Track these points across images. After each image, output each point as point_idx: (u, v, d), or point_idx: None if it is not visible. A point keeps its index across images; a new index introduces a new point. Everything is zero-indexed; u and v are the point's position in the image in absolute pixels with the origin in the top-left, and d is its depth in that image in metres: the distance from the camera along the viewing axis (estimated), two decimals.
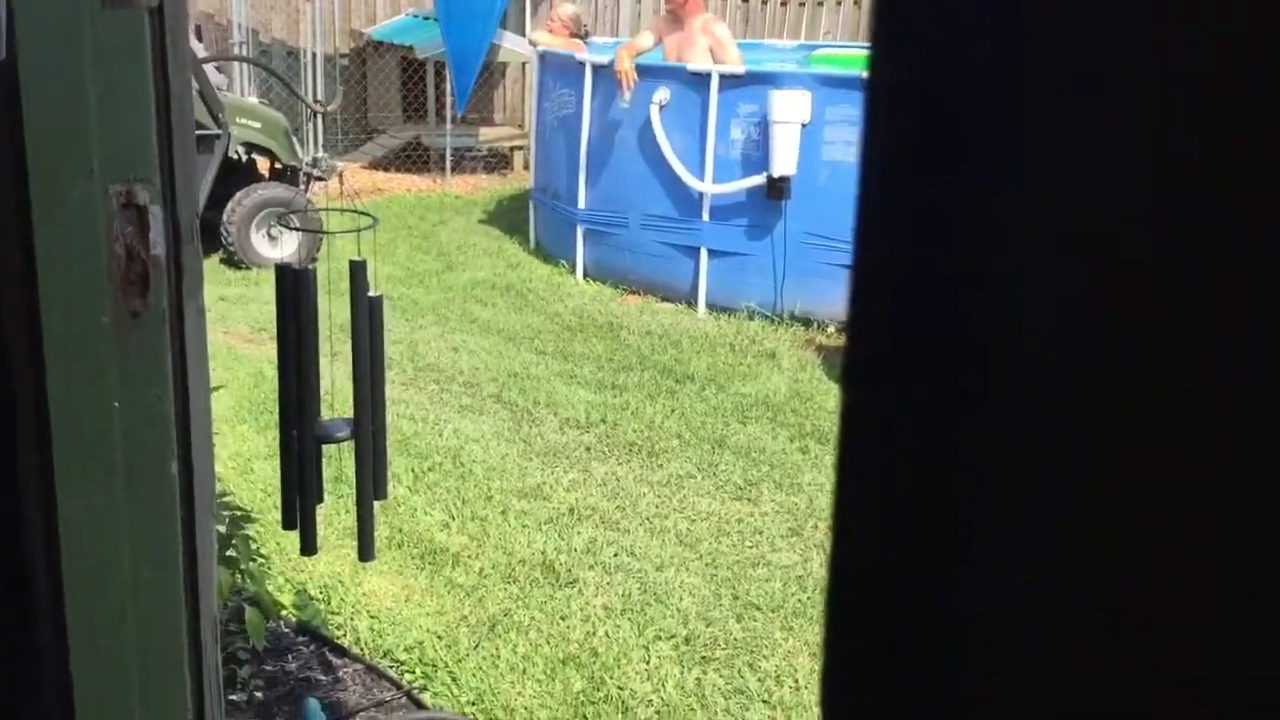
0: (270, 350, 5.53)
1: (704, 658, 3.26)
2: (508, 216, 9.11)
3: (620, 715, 2.97)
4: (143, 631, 1.08)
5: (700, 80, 6.68)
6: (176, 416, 1.05)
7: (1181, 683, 0.28)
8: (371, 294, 2.23)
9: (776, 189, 6.43)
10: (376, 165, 10.43)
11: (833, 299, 6.39)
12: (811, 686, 3.15)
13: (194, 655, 1.14)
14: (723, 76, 6.62)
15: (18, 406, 1.10)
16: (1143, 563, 0.28)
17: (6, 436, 1.12)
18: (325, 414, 2.29)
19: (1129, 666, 0.29)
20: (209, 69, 7.38)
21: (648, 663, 3.22)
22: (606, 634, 3.35)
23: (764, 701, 3.07)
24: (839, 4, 12.73)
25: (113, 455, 1.03)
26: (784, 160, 6.35)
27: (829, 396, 5.48)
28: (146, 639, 1.08)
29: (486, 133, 11.10)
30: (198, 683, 1.18)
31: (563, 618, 3.43)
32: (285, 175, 7.60)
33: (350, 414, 2.25)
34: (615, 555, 3.83)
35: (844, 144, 6.37)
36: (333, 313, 2.29)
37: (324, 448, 2.28)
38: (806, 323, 6.53)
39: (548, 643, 3.28)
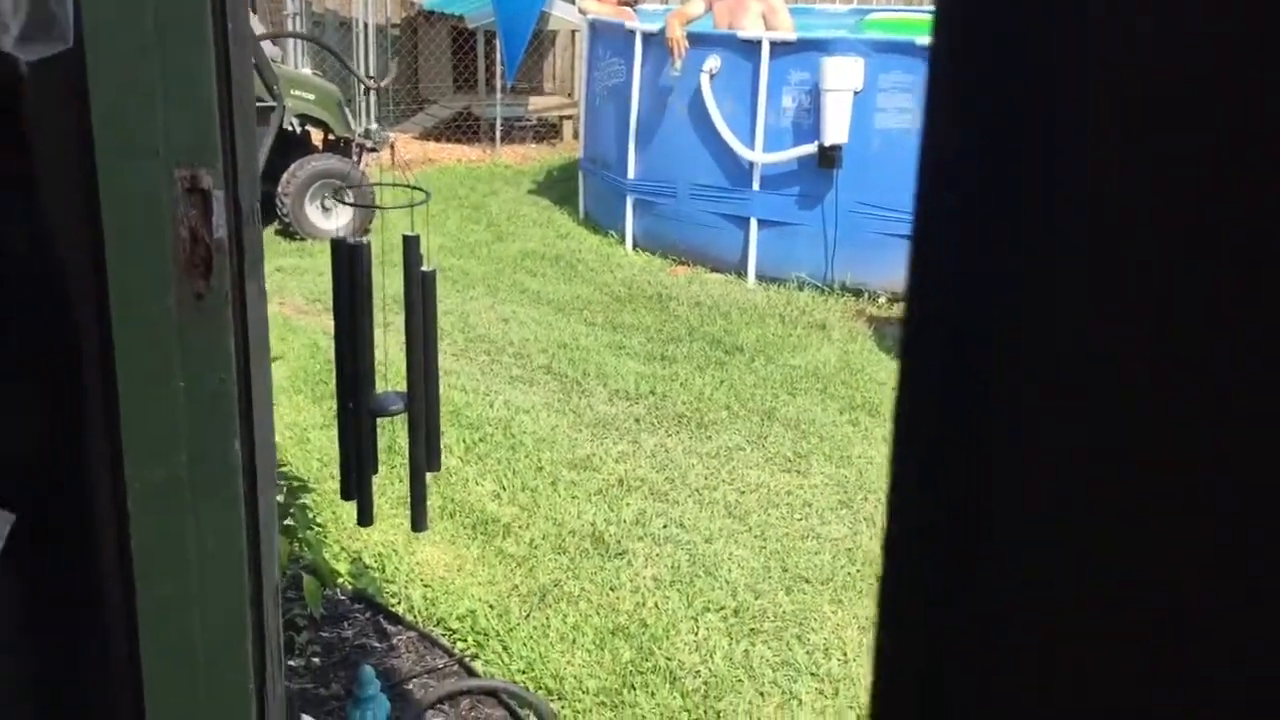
0: (325, 321, 5.60)
1: (752, 630, 3.28)
2: (557, 187, 9.12)
3: (668, 686, 3.00)
4: (207, 600, 1.11)
5: (751, 48, 6.64)
6: (239, 395, 1.08)
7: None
8: (424, 269, 2.26)
9: (828, 158, 6.38)
10: (427, 135, 10.47)
11: (884, 269, 6.35)
12: (860, 659, 3.16)
13: (256, 621, 1.18)
14: (774, 44, 6.56)
15: (87, 388, 1.13)
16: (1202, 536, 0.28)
17: (76, 417, 1.15)
18: (380, 386, 2.32)
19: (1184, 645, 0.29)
20: (264, 42, 7.44)
21: (696, 634, 3.25)
22: (655, 605, 3.38)
23: (812, 674, 3.08)
24: None
25: (178, 434, 1.06)
26: (836, 128, 6.29)
27: (880, 368, 5.46)
28: (210, 607, 1.12)
29: (536, 102, 11.10)
30: (260, 648, 1.21)
31: (612, 589, 3.46)
32: (339, 146, 7.66)
33: (404, 386, 2.28)
34: (664, 527, 3.86)
35: (897, 111, 6.30)
36: (386, 285, 2.32)
37: (378, 421, 2.32)
38: (857, 293, 6.49)
39: (597, 613, 3.31)
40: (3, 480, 1.21)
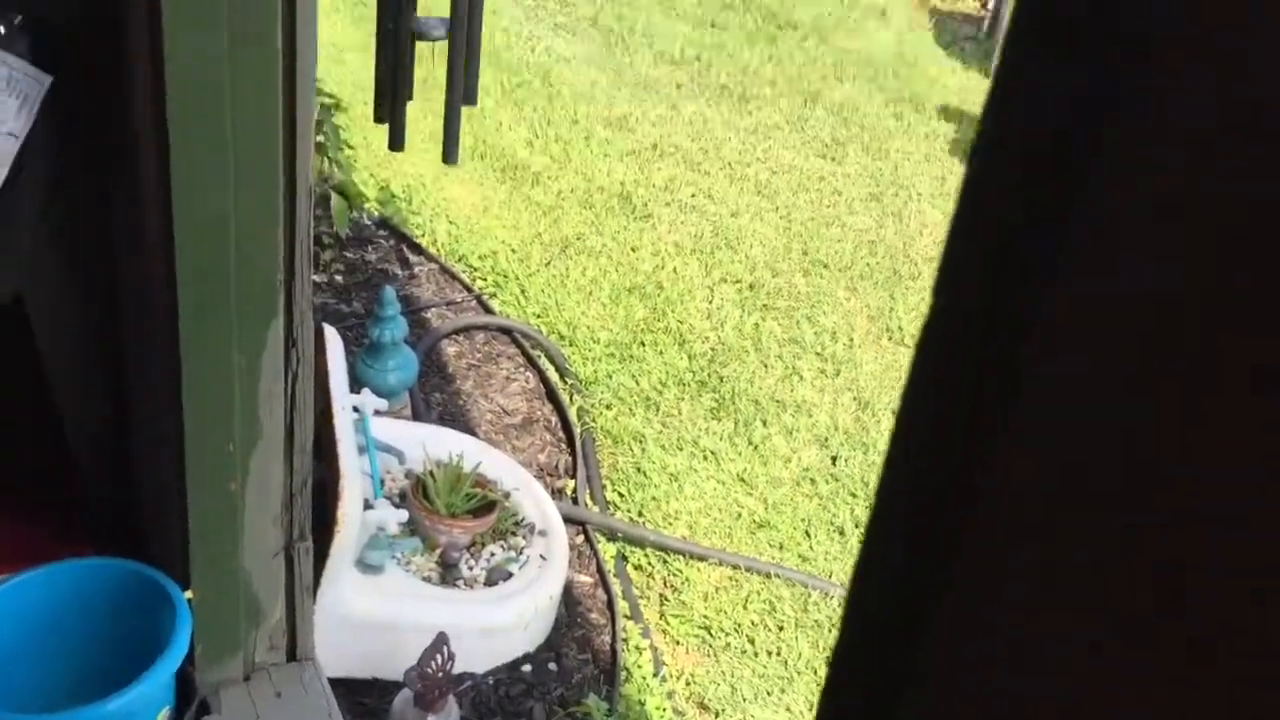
0: None
1: (765, 305, 3.34)
2: None
3: (677, 347, 3.09)
4: (241, 187, 1.12)
5: None
6: None
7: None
8: None
9: None
10: None
11: None
12: (865, 346, 3.24)
13: (288, 220, 1.19)
14: None
15: None
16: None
17: None
18: (421, 11, 2.24)
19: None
20: None
21: (710, 302, 3.31)
22: (674, 270, 3.42)
23: (816, 354, 3.17)
24: None
25: (218, 10, 1.03)
26: None
27: (933, 63, 5.27)
28: (244, 196, 1.13)
29: None
30: (290, 246, 1.24)
31: (633, 249, 3.50)
32: None
33: (447, 13, 2.21)
34: (693, 196, 3.85)
35: None
36: None
37: (416, 47, 2.26)
38: None
39: (616, 270, 3.37)
40: (42, 41, 1.20)
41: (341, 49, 4.34)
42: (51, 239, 1.28)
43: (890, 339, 3.30)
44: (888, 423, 2.91)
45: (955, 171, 4.31)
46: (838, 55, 5.19)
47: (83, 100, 1.21)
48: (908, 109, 4.76)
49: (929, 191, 4.14)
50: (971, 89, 5.12)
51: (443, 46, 2.26)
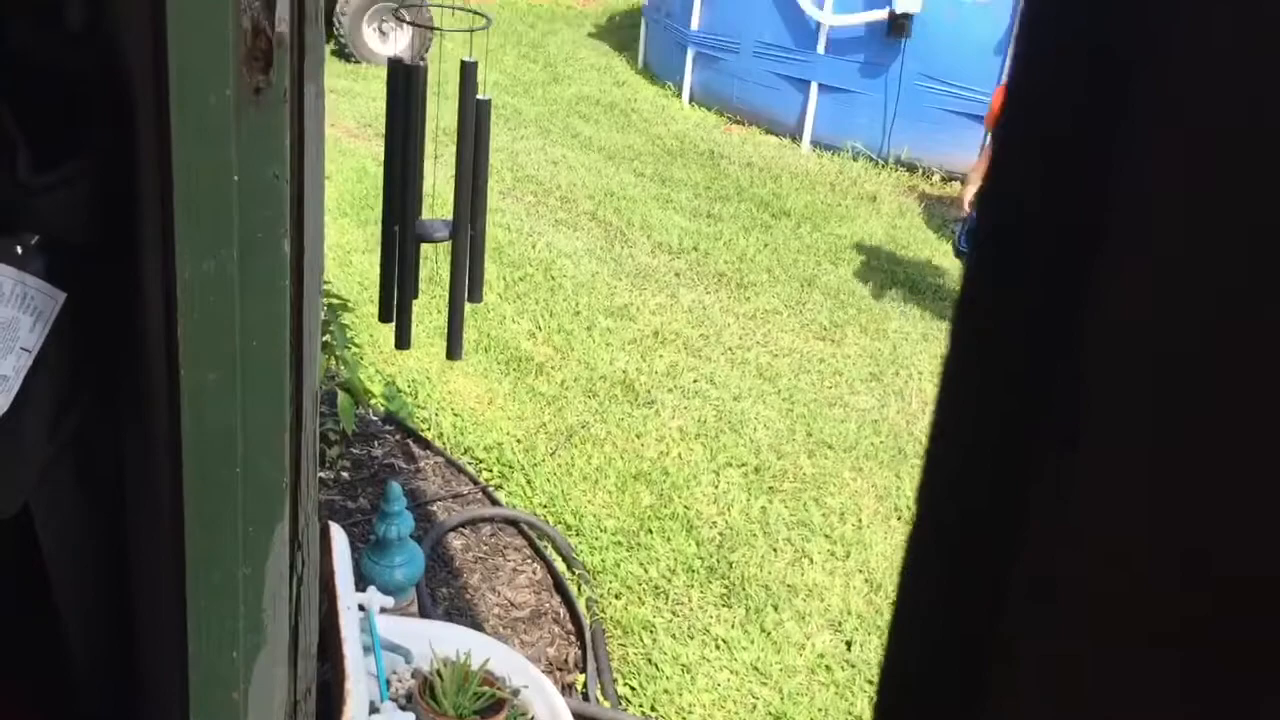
0: (374, 146, 5.58)
1: (771, 488, 3.34)
2: (618, 32, 8.93)
3: (684, 533, 3.07)
4: (249, 396, 1.14)
5: None
6: (291, 195, 1.09)
7: None
8: (480, 97, 2.23)
9: (898, 26, 6.20)
10: None
11: (941, 145, 6.22)
12: (874, 526, 3.22)
13: (295, 422, 1.21)
14: None
15: (142, 171, 1.14)
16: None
17: (131, 204, 1.17)
18: (426, 215, 2.32)
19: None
20: None
21: (716, 487, 3.31)
22: (679, 455, 3.43)
23: (825, 536, 3.14)
24: None
25: (229, 226, 1.07)
26: None
27: (925, 246, 5.40)
28: (252, 404, 1.15)
29: None
30: (296, 451, 1.25)
31: (638, 436, 3.51)
32: None
33: (450, 216, 2.28)
34: (695, 381, 3.89)
35: None
36: (440, 115, 2.30)
37: (421, 247, 2.33)
38: (912, 168, 6.38)
39: (621, 457, 3.38)
40: (57, 260, 1.24)
41: (348, 251, 4.47)
42: (61, 451, 1.29)
43: (899, 518, 3.28)
44: None
45: None
46: (831, 241, 5.32)
47: (94, 315, 1.24)
48: (903, 290, 4.86)
49: (929, 370, 4.18)
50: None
51: (447, 244, 2.33)
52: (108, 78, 1.29)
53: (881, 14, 6.24)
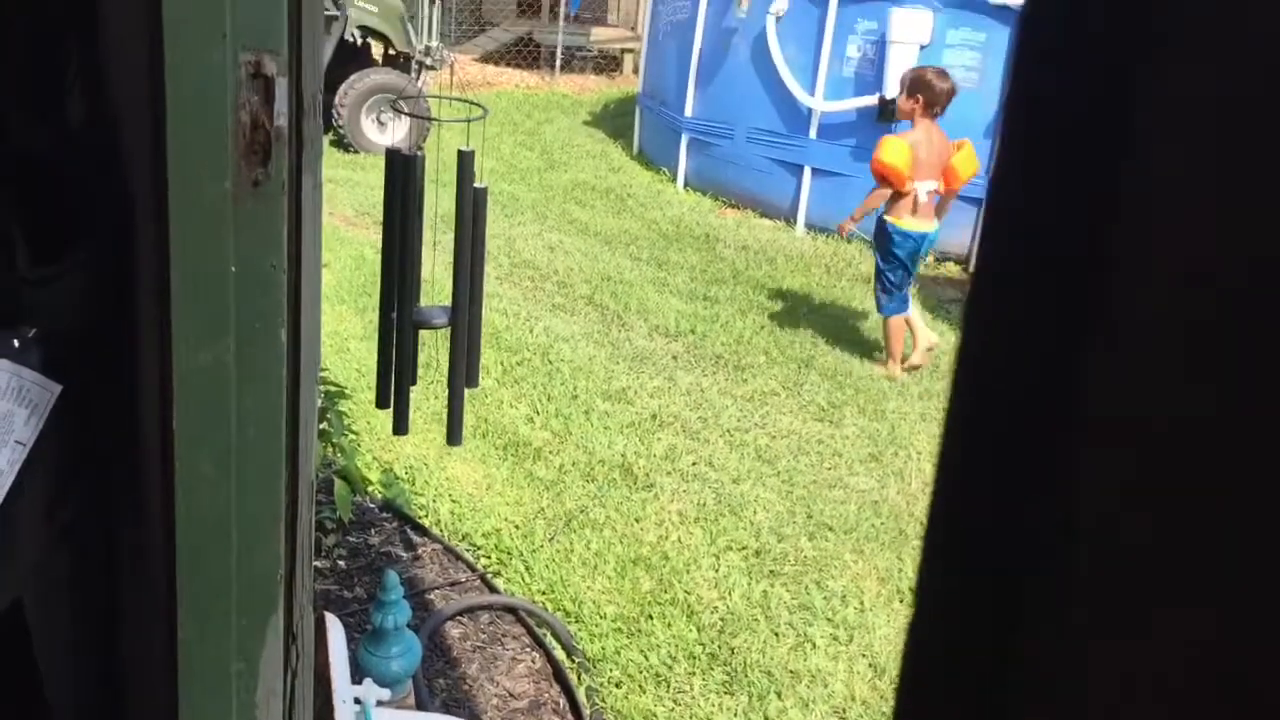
0: (372, 234, 5.63)
1: (772, 572, 3.30)
2: (613, 120, 9.06)
3: (685, 618, 3.03)
4: (244, 487, 1.13)
5: None
6: (289, 285, 1.09)
7: None
8: (477, 185, 2.25)
9: (888, 110, 6.29)
10: (487, 58, 10.42)
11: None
12: (876, 609, 3.18)
13: (290, 514, 1.20)
14: None
15: (140, 266, 1.15)
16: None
17: (128, 294, 1.17)
18: (424, 301, 2.33)
19: None
20: None
21: (716, 571, 3.27)
22: (679, 539, 3.40)
23: (828, 620, 3.11)
24: None
25: (226, 317, 1.07)
26: (899, 81, 6.21)
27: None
28: (247, 495, 1.14)
29: (599, 33, 11.00)
30: (291, 540, 1.24)
31: (637, 520, 3.49)
32: (398, 62, 7.64)
33: (447, 302, 2.29)
34: (694, 464, 3.88)
35: (963, 69, 6.20)
36: (437, 203, 2.32)
37: (419, 333, 2.34)
38: None
39: (620, 542, 3.35)
40: (53, 352, 1.24)
41: (345, 338, 4.48)
42: (55, 543, 1.28)
43: (902, 601, 3.24)
44: None
45: None
46: (827, 323, 5.35)
47: (90, 406, 1.24)
48: (900, 370, 4.86)
49: (929, 450, 4.17)
50: None
51: (445, 329, 2.34)
52: (106, 170, 1.30)
53: (871, 99, 6.34)
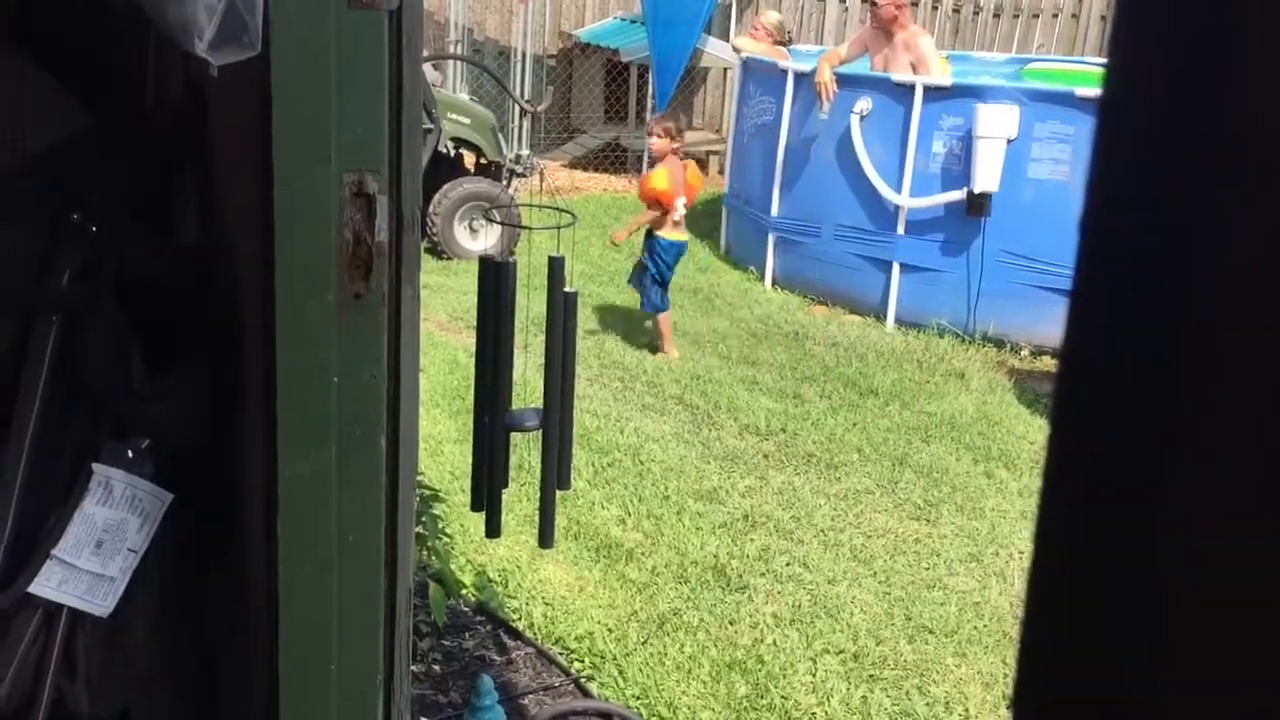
0: (465, 339, 5.73)
1: (872, 676, 3.22)
2: (700, 221, 9.16)
3: None
4: (345, 592, 1.15)
5: (904, 91, 6.58)
6: (388, 395, 1.12)
7: None
8: (567, 289, 2.30)
9: (977, 205, 6.27)
10: (576, 164, 10.66)
11: (1028, 320, 6.20)
12: (982, 716, 3.07)
13: (389, 619, 1.21)
14: (927, 88, 6.50)
15: (247, 374, 1.19)
16: None
17: (236, 401, 1.21)
18: (516, 404, 2.36)
19: None
20: (425, 65, 7.69)
21: (814, 675, 3.20)
22: (774, 642, 3.34)
23: None
24: (1054, 17, 12.31)
25: (329, 426, 1.10)
26: (986, 176, 6.19)
27: (1018, 421, 5.32)
28: (348, 599, 1.15)
29: (684, 136, 11.19)
30: (389, 645, 1.25)
31: (731, 622, 3.44)
32: (490, 170, 7.85)
33: (538, 404, 2.32)
34: (788, 565, 3.82)
35: (1051, 162, 6.17)
36: (529, 306, 2.37)
37: (510, 436, 2.36)
38: (999, 344, 6.35)
39: (715, 645, 3.30)
40: (165, 462, 1.28)
41: (439, 441, 4.54)
42: (163, 650, 1.31)
43: (1008, 707, 3.13)
44: None
45: None
46: (921, 419, 5.28)
47: (197, 514, 1.28)
48: (998, 467, 4.77)
49: (1030, 549, 4.06)
50: None
51: (536, 432, 2.36)
52: (216, 285, 1.35)
53: (959, 194, 6.33)
